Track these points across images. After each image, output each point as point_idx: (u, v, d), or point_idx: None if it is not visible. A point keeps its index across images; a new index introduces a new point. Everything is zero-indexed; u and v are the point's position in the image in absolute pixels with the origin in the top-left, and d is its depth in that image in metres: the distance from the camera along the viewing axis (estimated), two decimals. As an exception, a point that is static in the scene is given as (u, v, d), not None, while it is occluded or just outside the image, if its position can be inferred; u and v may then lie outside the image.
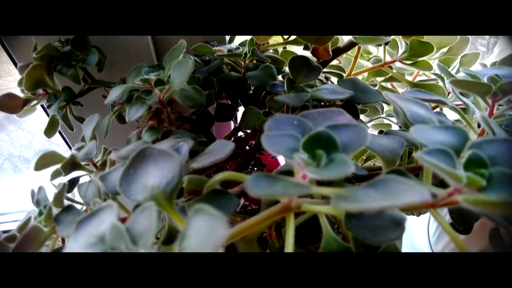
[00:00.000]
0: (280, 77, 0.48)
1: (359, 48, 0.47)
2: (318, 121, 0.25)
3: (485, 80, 0.33)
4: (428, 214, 0.77)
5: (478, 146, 0.22)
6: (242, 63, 0.45)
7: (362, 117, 0.65)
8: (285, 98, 0.33)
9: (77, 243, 0.23)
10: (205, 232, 0.17)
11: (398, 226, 0.23)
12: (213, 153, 0.28)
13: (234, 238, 0.24)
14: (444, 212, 0.42)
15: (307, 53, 0.46)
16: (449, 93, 0.53)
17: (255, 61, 0.46)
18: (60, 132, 0.60)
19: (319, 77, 0.49)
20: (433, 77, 0.59)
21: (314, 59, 0.41)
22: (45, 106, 0.48)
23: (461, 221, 0.35)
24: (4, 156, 1.34)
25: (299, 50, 0.53)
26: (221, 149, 0.28)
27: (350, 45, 0.42)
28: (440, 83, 0.52)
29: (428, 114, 0.27)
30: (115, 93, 0.36)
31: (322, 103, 0.46)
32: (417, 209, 0.26)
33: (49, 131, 0.49)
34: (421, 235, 0.80)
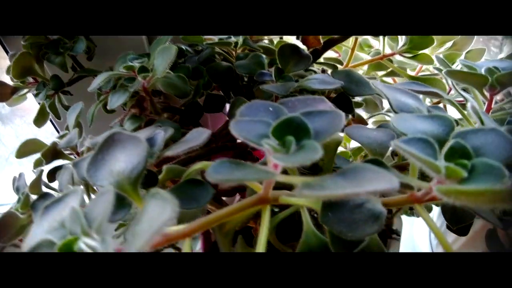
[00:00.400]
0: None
1: (356, 39, 0.45)
2: (296, 108, 0.24)
3: (482, 71, 0.31)
4: (431, 215, 0.75)
5: (463, 136, 0.20)
6: (234, 53, 0.43)
7: (363, 113, 0.63)
8: (270, 87, 0.32)
9: (41, 227, 0.23)
10: (155, 216, 0.16)
11: (377, 220, 0.22)
12: (188, 141, 0.27)
13: (205, 227, 0.23)
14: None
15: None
16: (451, 89, 0.51)
17: (247, 51, 0.45)
18: (52, 122, 0.59)
19: (314, 69, 0.47)
20: (437, 72, 0.57)
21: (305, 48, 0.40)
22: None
23: (455, 220, 0.34)
24: (10, 149, 1.35)
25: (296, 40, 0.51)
26: (196, 137, 0.27)
27: (345, 36, 0.41)
28: (443, 79, 0.50)
29: (416, 104, 0.26)
30: (97, 81, 0.35)
31: (316, 95, 0.44)
32: (401, 205, 0.25)
33: (39, 120, 0.48)
34: (422, 237, 0.78)
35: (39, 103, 0.49)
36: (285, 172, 0.27)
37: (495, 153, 0.19)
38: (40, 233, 0.22)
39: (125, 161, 0.22)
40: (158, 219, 0.15)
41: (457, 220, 0.34)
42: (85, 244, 0.18)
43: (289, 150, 0.19)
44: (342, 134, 0.35)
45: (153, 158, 0.27)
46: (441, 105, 0.53)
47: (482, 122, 0.22)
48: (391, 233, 0.69)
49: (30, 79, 0.48)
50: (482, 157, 0.19)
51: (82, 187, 0.26)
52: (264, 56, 0.38)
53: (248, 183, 0.26)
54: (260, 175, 0.17)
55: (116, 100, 0.34)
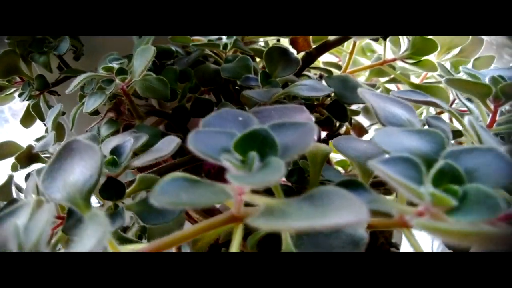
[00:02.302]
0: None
1: (355, 43, 0.43)
2: (272, 118, 0.22)
3: (485, 80, 0.28)
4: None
5: (455, 156, 0.17)
6: (224, 55, 0.41)
7: (366, 121, 0.60)
8: (252, 93, 0.30)
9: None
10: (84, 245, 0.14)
11: (356, 247, 0.19)
12: (157, 151, 0.25)
13: (169, 246, 0.21)
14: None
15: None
16: (455, 99, 0.48)
17: (239, 54, 0.42)
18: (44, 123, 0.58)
19: (310, 74, 0.45)
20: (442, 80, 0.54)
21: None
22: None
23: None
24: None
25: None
26: (166, 146, 0.25)
27: (341, 40, 0.38)
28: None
29: (407, 116, 0.23)
30: (75, 82, 0.33)
31: (309, 102, 0.42)
32: (388, 228, 0.22)
33: (25, 120, 0.47)
34: (423, 248, 0.75)
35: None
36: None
37: (492, 177, 0.16)
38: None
39: (79, 172, 0.20)
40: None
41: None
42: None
43: (251, 168, 0.17)
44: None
45: (119, 168, 0.25)
46: (447, 115, 0.50)
47: (479, 140, 0.19)
48: (389, 246, 0.66)
49: (17, 78, 0.47)
50: (476, 182, 0.16)
51: (35, 199, 0.24)
52: (250, 59, 0.36)
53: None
54: (212, 199, 0.15)
55: (92, 103, 0.32)
